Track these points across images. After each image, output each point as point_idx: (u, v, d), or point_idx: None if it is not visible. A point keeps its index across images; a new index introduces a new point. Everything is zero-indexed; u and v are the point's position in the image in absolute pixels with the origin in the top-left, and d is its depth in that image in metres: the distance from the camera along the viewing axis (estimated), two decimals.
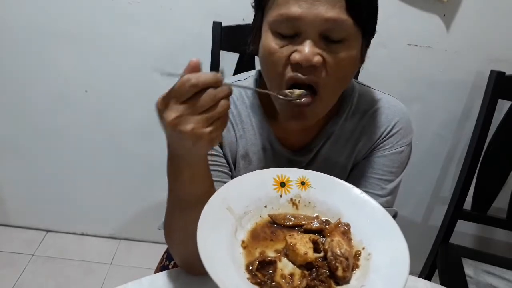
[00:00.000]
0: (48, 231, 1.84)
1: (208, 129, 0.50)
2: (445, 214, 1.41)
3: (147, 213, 1.80)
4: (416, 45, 1.44)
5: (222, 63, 1.21)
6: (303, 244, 0.51)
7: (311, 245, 0.52)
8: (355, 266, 0.51)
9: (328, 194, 0.59)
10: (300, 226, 0.56)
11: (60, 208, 1.80)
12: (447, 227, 1.37)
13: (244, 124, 0.77)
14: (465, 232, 1.76)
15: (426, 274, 1.42)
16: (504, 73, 1.25)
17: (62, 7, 1.40)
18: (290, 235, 0.53)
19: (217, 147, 0.76)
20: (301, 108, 0.63)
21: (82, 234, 1.86)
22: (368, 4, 0.63)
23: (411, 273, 0.81)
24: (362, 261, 0.51)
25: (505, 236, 1.77)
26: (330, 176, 0.61)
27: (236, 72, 1.22)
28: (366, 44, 0.67)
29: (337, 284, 0.49)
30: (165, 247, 1.06)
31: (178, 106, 0.50)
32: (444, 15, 1.39)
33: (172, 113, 0.50)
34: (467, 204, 1.36)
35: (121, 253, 1.80)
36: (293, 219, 0.56)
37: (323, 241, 0.54)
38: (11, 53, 1.49)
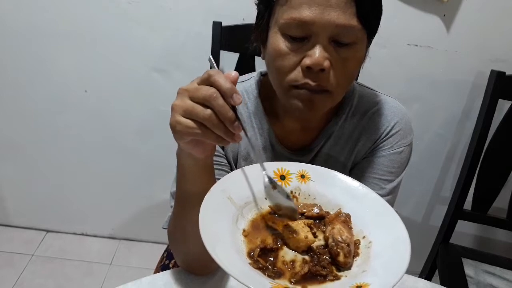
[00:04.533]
0: (48, 231, 1.84)
1: (182, 119, 0.50)
2: (445, 214, 1.41)
3: (147, 213, 1.80)
4: (416, 45, 1.44)
5: (222, 63, 1.21)
6: (300, 229, 0.52)
7: (308, 229, 0.53)
8: (356, 254, 0.52)
9: (327, 187, 0.60)
10: (301, 214, 0.57)
11: (60, 208, 1.80)
12: (447, 227, 1.37)
13: (245, 125, 0.77)
14: (465, 232, 1.76)
15: (426, 274, 1.42)
16: (504, 73, 1.25)
17: (62, 7, 1.40)
18: (285, 225, 0.54)
19: (218, 148, 0.76)
20: (311, 96, 0.64)
21: (82, 234, 1.86)
22: (376, 8, 0.64)
23: (412, 273, 0.81)
24: (363, 249, 0.52)
25: (505, 236, 1.77)
26: (329, 170, 0.62)
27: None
28: (369, 43, 0.68)
29: (339, 270, 0.50)
30: (165, 246, 1.07)
31: (184, 92, 0.52)
32: (444, 15, 1.39)
33: (177, 97, 0.52)
34: (467, 204, 1.36)
35: (121, 253, 1.80)
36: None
37: (324, 229, 0.55)
38: (11, 53, 1.49)
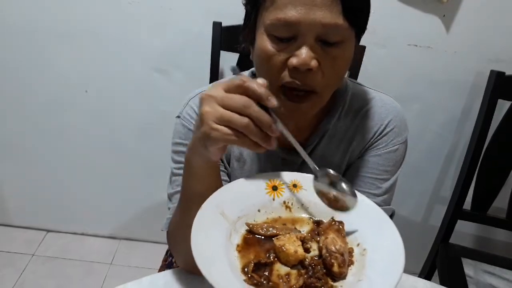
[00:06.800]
0: (48, 231, 1.85)
1: (217, 126, 0.51)
2: (445, 214, 1.41)
3: (147, 213, 1.80)
4: (416, 45, 1.45)
5: (222, 63, 1.21)
6: (291, 243, 0.51)
7: (299, 243, 0.53)
8: (350, 263, 0.51)
9: None
10: (277, 235, 0.56)
11: (60, 208, 1.80)
12: (447, 227, 1.37)
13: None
14: (465, 232, 1.76)
15: (426, 274, 1.42)
16: (504, 73, 1.25)
17: (62, 7, 1.40)
18: (277, 238, 0.53)
19: None
20: (298, 101, 0.64)
21: (82, 234, 1.86)
22: (363, 6, 0.63)
23: (411, 273, 0.82)
24: (358, 256, 0.52)
25: (505, 236, 1.77)
26: None
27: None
28: (357, 41, 0.67)
29: (334, 280, 0.49)
30: (166, 246, 1.07)
31: (211, 99, 0.52)
32: (444, 15, 1.39)
33: (205, 104, 0.52)
34: (467, 204, 1.36)
35: (121, 253, 1.80)
36: (271, 229, 0.56)
37: (318, 238, 0.54)
38: (11, 53, 1.49)
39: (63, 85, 1.54)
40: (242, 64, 1.20)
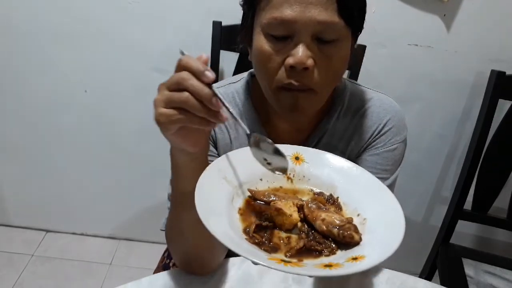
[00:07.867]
0: (48, 231, 1.84)
1: (163, 110, 0.50)
2: (445, 214, 1.41)
3: (147, 213, 1.80)
4: (417, 45, 1.44)
5: (222, 63, 1.21)
6: (287, 208, 0.52)
7: (295, 208, 0.53)
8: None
9: (321, 168, 0.61)
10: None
11: (60, 208, 1.80)
12: (448, 227, 1.37)
13: (237, 126, 0.77)
14: (466, 232, 1.76)
15: (426, 274, 1.42)
16: (504, 72, 1.25)
17: (62, 7, 1.40)
18: (274, 202, 0.54)
19: (212, 148, 0.76)
20: (297, 97, 0.64)
21: (82, 234, 1.86)
22: (358, 5, 0.64)
23: (412, 273, 0.81)
24: (358, 226, 0.52)
25: (506, 236, 1.77)
26: (323, 151, 0.63)
27: (236, 71, 1.22)
28: (354, 40, 0.68)
29: (337, 246, 0.50)
30: (165, 246, 1.07)
31: (162, 86, 0.51)
32: (444, 15, 1.39)
33: (157, 94, 0.51)
34: (468, 204, 1.36)
35: (120, 253, 1.80)
36: (273, 197, 0.57)
37: (314, 219, 0.54)
38: (11, 53, 1.49)
39: (62, 85, 1.54)
40: (243, 64, 1.20)
